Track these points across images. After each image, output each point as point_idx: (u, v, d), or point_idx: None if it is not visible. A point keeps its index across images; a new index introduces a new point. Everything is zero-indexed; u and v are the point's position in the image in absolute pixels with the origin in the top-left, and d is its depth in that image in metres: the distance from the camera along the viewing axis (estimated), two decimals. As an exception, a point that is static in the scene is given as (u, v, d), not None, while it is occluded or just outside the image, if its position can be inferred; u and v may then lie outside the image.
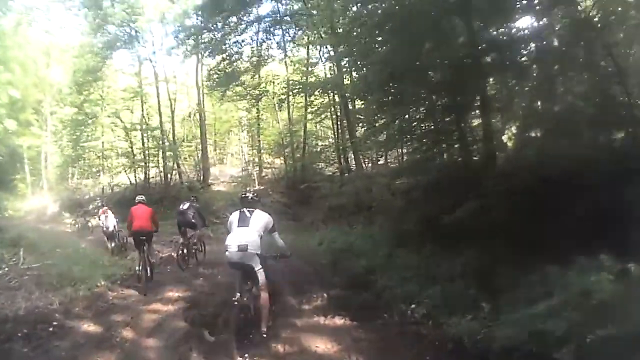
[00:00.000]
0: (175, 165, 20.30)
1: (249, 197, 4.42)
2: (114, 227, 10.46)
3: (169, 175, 20.31)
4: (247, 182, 20.38)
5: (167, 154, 19.89)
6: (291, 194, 19.19)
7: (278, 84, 20.23)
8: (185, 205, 8.69)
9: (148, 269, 6.81)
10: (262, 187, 20.47)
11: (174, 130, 20.53)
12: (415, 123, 8.22)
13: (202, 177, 20.48)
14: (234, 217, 4.27)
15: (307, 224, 15.68)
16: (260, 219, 4.20)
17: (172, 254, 9.17)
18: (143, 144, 20.25)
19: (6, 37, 18.31)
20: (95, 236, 12.55)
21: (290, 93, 19.13)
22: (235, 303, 4.03)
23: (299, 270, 7.66)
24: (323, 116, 19.99)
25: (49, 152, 22.17)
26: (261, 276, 4.08)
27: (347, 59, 12.41)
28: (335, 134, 19.40)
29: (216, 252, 9.01)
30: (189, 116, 22.41)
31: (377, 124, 9.50)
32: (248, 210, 4.25)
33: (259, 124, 21.90)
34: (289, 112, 20.01)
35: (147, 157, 19.96)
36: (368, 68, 8.69)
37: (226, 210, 18.25)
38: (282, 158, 21.62)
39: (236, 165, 22.37)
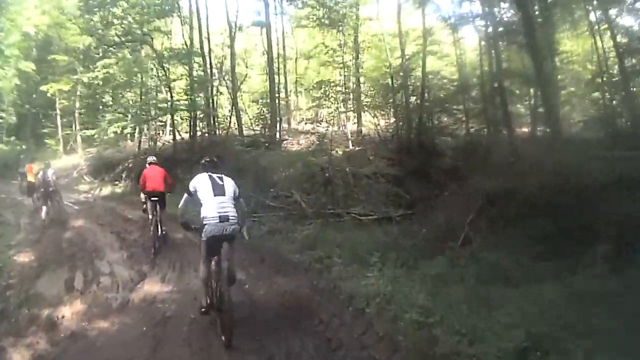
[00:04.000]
0: (234, 113, 13.64)
1: (216, 162, 4.08)
2: (48, 184, 8.53)
3: (218, 126, 13.87)
4: (336, 141, 12.95)
5: (216, 94, 13.31)
6: (405, 163, 11.47)
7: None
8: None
9: (159, 231, 6.41)
10: (358, 149, 12.99)
11: (233, 64, 13.73)
12: None
13: (266, 130, 13.49)
14: (203, 182, 3.72)
15: (435, 228, 7.19)
16: (232, 185, 3.81)
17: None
18: (191, 78, 13.57)
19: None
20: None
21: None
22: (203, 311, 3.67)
23: None
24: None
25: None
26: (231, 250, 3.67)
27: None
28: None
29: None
30: (240, 30, 14.97)
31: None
32: (217, 176, 3.79)
33: (357, 54, 14.17)
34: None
35: (192, 102, 13.40)
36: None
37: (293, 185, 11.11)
38: (390, 108, 13.86)
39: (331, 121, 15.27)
